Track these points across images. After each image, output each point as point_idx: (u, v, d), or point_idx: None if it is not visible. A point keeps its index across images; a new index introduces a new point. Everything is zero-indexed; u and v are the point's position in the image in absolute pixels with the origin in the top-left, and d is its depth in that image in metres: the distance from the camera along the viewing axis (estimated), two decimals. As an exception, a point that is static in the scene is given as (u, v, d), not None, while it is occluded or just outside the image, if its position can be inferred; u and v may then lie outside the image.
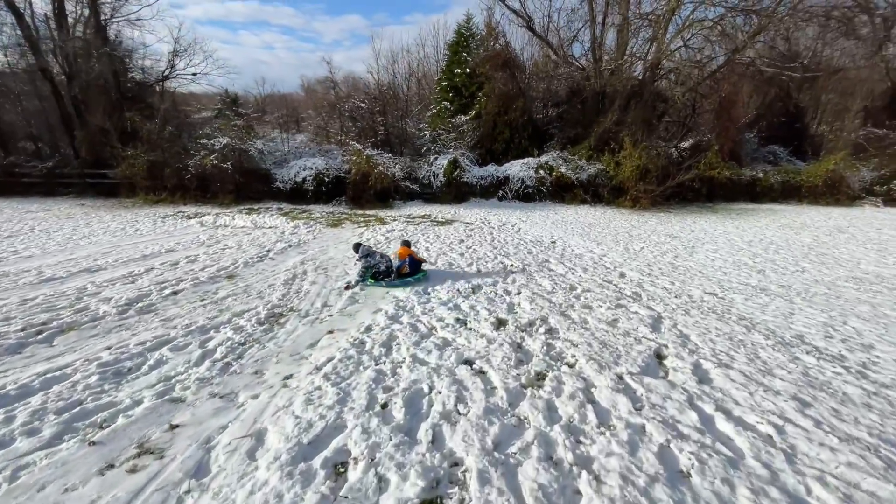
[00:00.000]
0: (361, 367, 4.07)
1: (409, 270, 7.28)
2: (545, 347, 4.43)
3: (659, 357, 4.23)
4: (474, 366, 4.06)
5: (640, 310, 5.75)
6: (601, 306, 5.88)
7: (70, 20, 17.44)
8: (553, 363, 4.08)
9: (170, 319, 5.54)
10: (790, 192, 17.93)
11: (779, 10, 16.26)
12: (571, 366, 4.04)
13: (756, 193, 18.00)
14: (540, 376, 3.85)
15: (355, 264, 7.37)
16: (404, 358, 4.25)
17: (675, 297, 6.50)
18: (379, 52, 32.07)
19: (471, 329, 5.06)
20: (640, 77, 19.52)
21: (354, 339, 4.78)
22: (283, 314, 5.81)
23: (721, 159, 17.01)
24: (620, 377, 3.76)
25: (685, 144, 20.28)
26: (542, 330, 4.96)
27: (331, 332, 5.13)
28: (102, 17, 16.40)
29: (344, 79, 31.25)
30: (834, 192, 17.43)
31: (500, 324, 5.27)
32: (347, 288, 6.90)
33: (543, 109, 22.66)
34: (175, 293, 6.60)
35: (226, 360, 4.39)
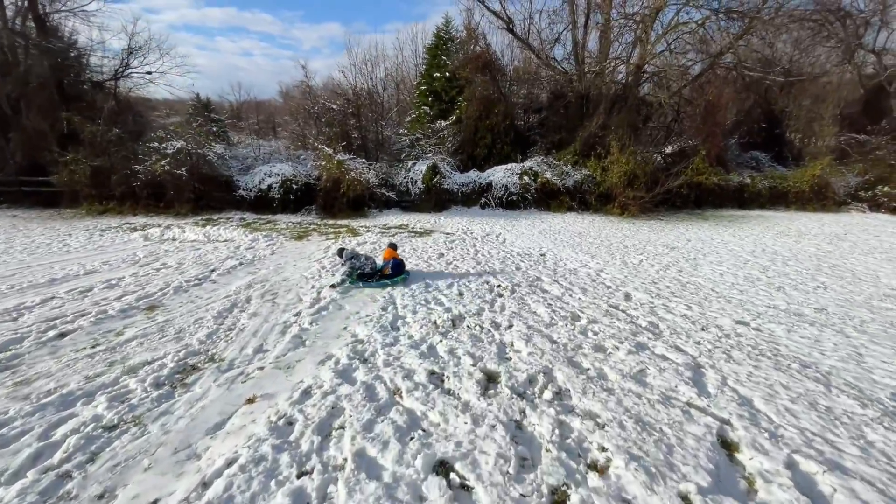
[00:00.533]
0: (273, 483, 2.47)
1: (391, 272, 6.96)
2: (557, 430, 2.92)
3: (727, 447, 2.77)
4: (453, 475, 2.51)
5: (668, 352, 4.31)
6: (618, 347, 4.42)
7: (10, 12, 15.31)
8: (574, 466, 2.57)
9: (28, 381, 3.83)
10: (777, 198, 17.03)
11: (763, 12, 15.39)
12: (603, 471, 2.54)
13: (744, 199, 17.05)
14: (558, 500, 2.33)
15: (341, 267, 6.99)
16: (345, 459, 2.68)
17: (702, 329, 5.10)
18: (357, 55, 30.47)
19: (449, 392, 3.52)
20: (623, 81, 18.48)
21: (280, 417, 3.18)
22: (199, 366, 4.17)
23: (709, 165, 15.98)
24: (686, 500, 2.27)
25: (668, 150, 19.31)
26: (548, 393, 3.45)
27: (251, 400, 3.51)
28: (41, 8, 14.34)
29: (323, 85, 29.56)
30: (821, 198, 16.60)
31: (489, 381, 3.74)
32: (332, 287, 6.57)
33: (525, 116, 21.43)
34: (62, 335, 4.86)
35: (67, 465, 2.74)
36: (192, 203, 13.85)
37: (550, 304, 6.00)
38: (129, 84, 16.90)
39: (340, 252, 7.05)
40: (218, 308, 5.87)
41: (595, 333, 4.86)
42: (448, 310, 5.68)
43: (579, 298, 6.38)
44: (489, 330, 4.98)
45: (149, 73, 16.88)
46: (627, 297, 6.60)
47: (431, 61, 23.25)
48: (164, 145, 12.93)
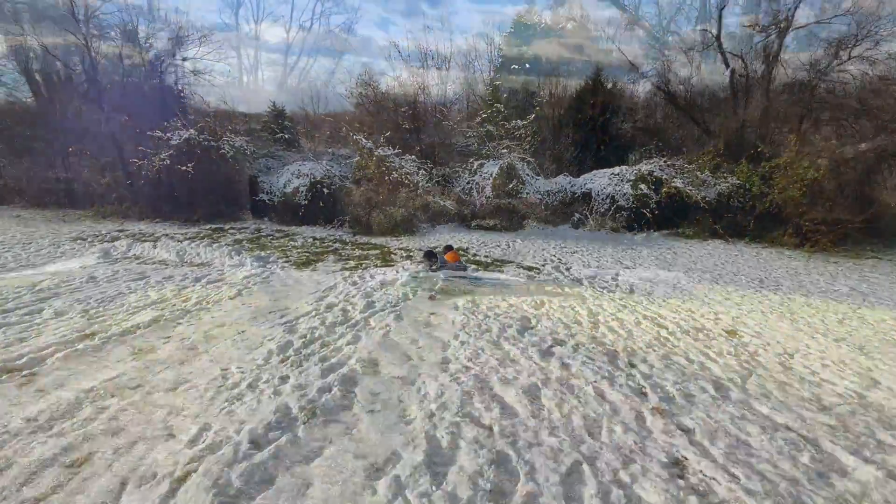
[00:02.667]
0: None
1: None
2: None
3: None
4: None
5: None
6: None
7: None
8: None
9: None
10: None
11: None
12: None
13: None
14: None
15: (431, 270, 5.66)
16: None
17: None
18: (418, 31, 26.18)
19: None
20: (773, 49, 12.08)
21: None
22: None
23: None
24: None
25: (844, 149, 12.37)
26: None
27: None
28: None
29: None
30: None
31: None
32: (431, 298, 4.94)
33: (629, 109, 15.60)
34: None
35: None
36: (207, 208, 10.37)
37: None
38: (171, 79, 14.29)
39: (430, 255, 5.83)
40: None
41: None
42: None
43: None
44: None
45: (185, 59, 14.20)
46: None
47: (509, 51, 18.53)
48: (168, 135, 9.56)
